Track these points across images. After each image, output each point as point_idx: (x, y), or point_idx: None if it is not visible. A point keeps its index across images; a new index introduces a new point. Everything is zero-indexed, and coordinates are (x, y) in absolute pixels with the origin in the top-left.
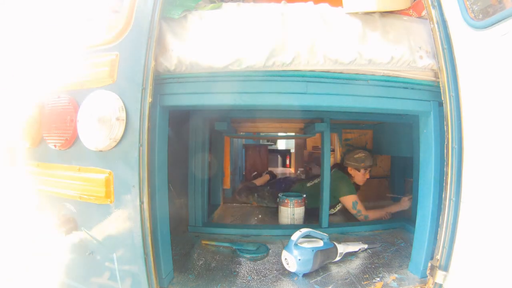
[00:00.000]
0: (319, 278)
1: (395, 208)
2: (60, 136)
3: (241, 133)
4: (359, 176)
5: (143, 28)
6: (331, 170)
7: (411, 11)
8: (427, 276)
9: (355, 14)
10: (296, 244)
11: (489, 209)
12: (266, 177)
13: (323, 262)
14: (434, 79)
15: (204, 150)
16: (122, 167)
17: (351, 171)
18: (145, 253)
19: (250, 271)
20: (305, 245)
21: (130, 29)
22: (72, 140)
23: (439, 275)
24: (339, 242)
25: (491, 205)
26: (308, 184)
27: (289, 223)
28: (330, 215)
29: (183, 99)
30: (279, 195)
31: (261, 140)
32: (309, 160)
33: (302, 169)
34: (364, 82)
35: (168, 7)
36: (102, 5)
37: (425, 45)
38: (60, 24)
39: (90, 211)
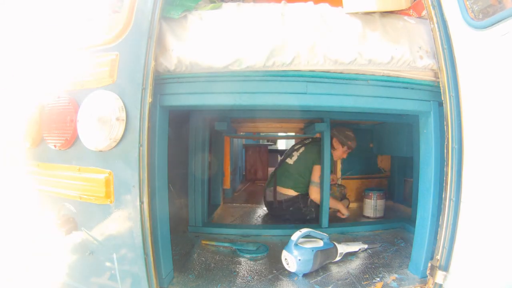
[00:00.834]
0: (319, 278)
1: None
2: (60, 136)
3: (241, 133)
4: (339, 151)
5: (143, 28)
6: (308, 142)
7: (411, 11)
8: (427, 276)
9: (355, 14)
10: (296, 244)
11: (489, 209)
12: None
13: (323, 262)
14: (434, 79)
15: (204, 150)
16: (122, 167)
17: (335, 142)
18: (145, 253)
19: (250, 271)
20: (305, 245)
21: (130, 29)
22: (72, 140)
23: (439, 275)
24: (339, 242)
25: (491, 205)
26: (290, 162)
27: (372, 215)
28: None
29: (183, 99)
30: (364, 190)
31: (261, 140)
32: None
33: None
34: (364, 82)
35: (168, 7)
36: (102, 5)
37: (425, 45)
38: (60, 24)
39: (90, 211)
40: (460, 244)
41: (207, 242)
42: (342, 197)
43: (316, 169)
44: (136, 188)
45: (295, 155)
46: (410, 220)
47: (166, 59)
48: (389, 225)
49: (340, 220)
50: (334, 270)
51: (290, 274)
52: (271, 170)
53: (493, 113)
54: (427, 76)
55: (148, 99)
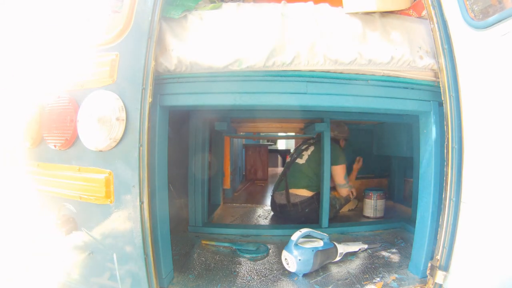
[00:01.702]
0: (319, 278)
1: (356, 169)
2: (60, 136)
3: (241, 133)
4: (342, 147)
5: (143, 28)
6: (314, 141)
7: (411, 11)
8: (427, 276)
9: (355, 14)
10: (296, 244)
11: (489, 209)
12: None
13: (323, 262)
14: (434, 79)
15: (204, 150)
16: (122, 167)
17: (341, 142)
18: (145, 253)
19: (250, 271)
20: (305, 245)
21: (130, 29)
22: (72, 140)
23: (439, 275)
24: (339, 242)
25: (491, 205)
26: (301, 161)
27: (372, 215)
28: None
29: (183, 99)
30: (364, 190)
31: (261, 140)
32: None
33: None
34: (364, 82)
35: (168, 7)
36: (102, 5)
37: (425, 45)
38: (60, 24)
39: (90, 211)
40: (460, 244)
41: (207, 242)
42: (348, 199)
43: (338, 170)
44: (136, 188)
45: (305, 154)
46: (410, 220)
47: (166, 59)
48: (389, 225)
49: (340, 220)
50: (334, 270)
51: (290, 274)
52: (271, 170)
53: (493, 113)
54: (427, 76)
55: (148, 99)
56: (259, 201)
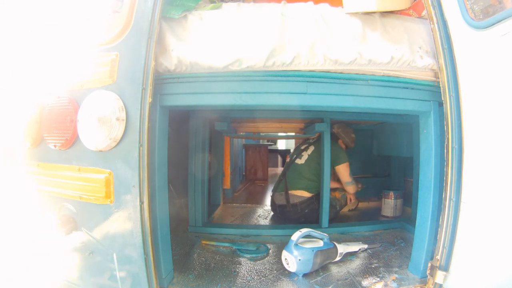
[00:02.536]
0: (319, 278)
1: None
2: (60, 136)
3: (241, 133)
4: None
5: (143, 28)
6: (314, 140)
7: (411, 11)
8: (427, 276)
9: (355, 14)
10: (296, 244)
11: (489, 209)
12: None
13: (323, 262)
14: (434, 79)
15: (204, 150)
16: (122, 167)
17: (341, 143)
18: (145, 253)
19: (250, 271)
20: (305, 245)
21: (130, 29)
22: (72, 140)
23: (439, 275)
24: (339, 242)
25: (491, 205)
26: (300, 162)
27: (392, 214)
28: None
29: (183, 99)
30: (384, 190)
31: (261, 140)
32: None
33: None
34: (364, 82)
35: (168, 7)
36: (102, 5)
37: (425, 45)
38: (60, 24)
39: (90, 211)
40: (460, 244)
41: (207, 242)
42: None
43: (342, 169)
44: (136, 188)
45: (305, 155)
46: (410, 220)
47: (166, 59)
48: (389, 225)
49: (340, 220)
50: (334, 270)
51: (290, 274)
52: (271, 170)
53: (493, 113)
54: (427, 76)
55: (148, 99)
56: (259, 201)
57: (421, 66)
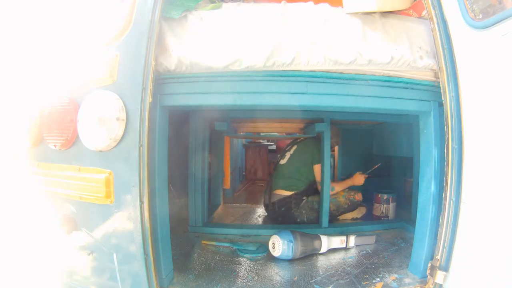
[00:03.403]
0: (319, 278)
1: (349, 183)
2: (60, 136)
3: (241, 133)
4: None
5: (143, 28)
6: (299, 140)
7: (411, 11)
8: (427, 276)
9: (355, 14)
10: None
11: (489, 209)
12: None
13: (306, 247)
14: (434, 79)
15: (204, 150)
16: (122, 167)
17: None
18: (145, 253)
19: (250, 271)
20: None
21: (130, 29)
22: (72, 140)
23: (439, 275)
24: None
25: (491, 205)
26: (282, 162)
27: (383, 216)
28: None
29: (183, 99)
30: (375, 192)
31: (261, 140)
32: None
33: None
34: (364, 82)
35: (168, 7)
36: (102, 5)
37: (425, 45)
38: (60, 24)
39: (90, 211)
40: (460, 244)
41: (207, 242)
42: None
43: (318, 168)
44: (136, 188)
45: (287, 155)
46: (410, 220)
47: (166, 59)
48: (389, 225)
49: (339, 220)
50: (334, 270)
51: (290, 274)
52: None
53: (493, 113)
54: (427, 76)
55: (148, 99)
56: (259, 201)
57: (421, 66)
